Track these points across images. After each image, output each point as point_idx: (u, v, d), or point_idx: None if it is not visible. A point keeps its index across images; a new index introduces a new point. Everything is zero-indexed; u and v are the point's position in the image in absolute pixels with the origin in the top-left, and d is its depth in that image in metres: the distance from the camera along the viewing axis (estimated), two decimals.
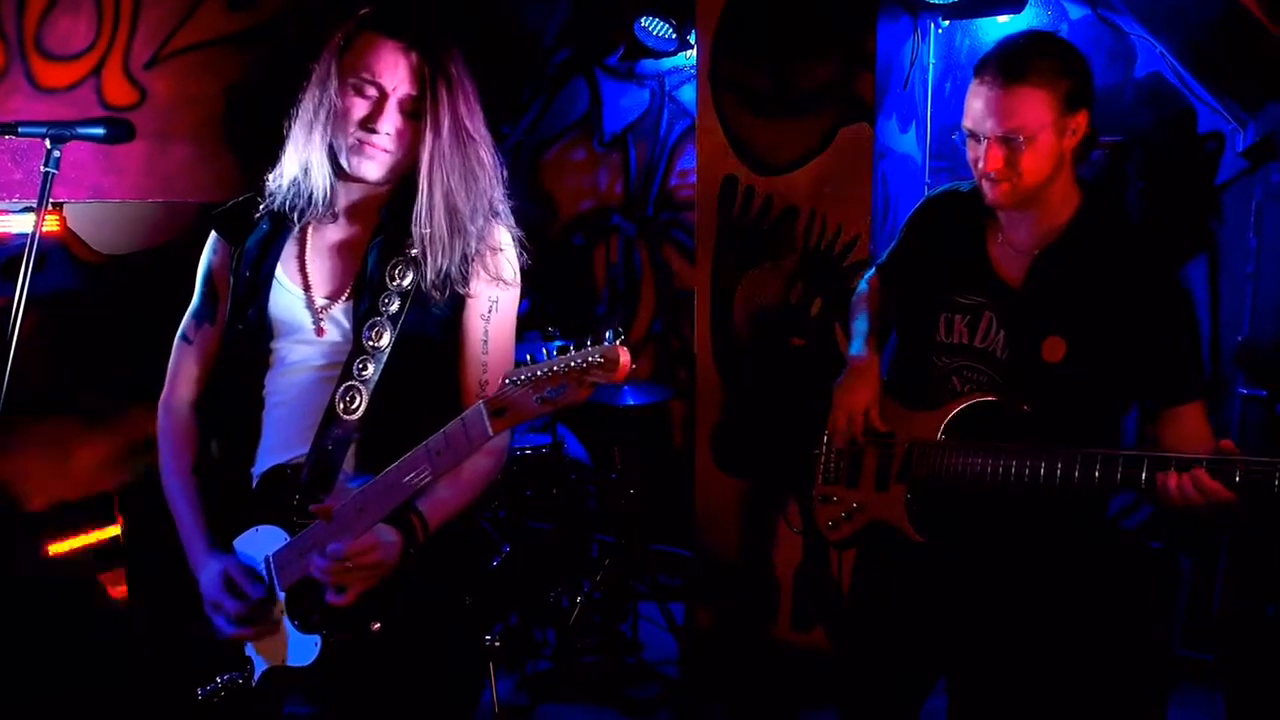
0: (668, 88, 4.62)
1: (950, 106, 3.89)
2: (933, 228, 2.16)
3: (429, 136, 1.68)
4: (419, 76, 1.68)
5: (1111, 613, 2.91)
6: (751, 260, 3.54)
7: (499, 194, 1.82)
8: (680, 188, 4.64)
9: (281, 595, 1.72)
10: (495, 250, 1.80)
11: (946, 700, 2.22)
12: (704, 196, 3.60)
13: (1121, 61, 3.58)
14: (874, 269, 2.37)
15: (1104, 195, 2.00)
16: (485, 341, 1.79)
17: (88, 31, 3.02)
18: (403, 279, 1.73)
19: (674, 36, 4.12)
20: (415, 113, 1.70)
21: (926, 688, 2.26)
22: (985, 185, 1.92)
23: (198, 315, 1.87)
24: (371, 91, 1.68)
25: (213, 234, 1.87)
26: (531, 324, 4.42)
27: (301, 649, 1.71)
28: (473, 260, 1.77)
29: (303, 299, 1.77)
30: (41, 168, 1.72)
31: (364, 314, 1.73)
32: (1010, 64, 1.83)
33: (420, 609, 1.79)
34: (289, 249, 1.80)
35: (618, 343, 1.42)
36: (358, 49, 1.68)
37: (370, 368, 1.71)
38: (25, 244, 1.70)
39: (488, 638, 3.29)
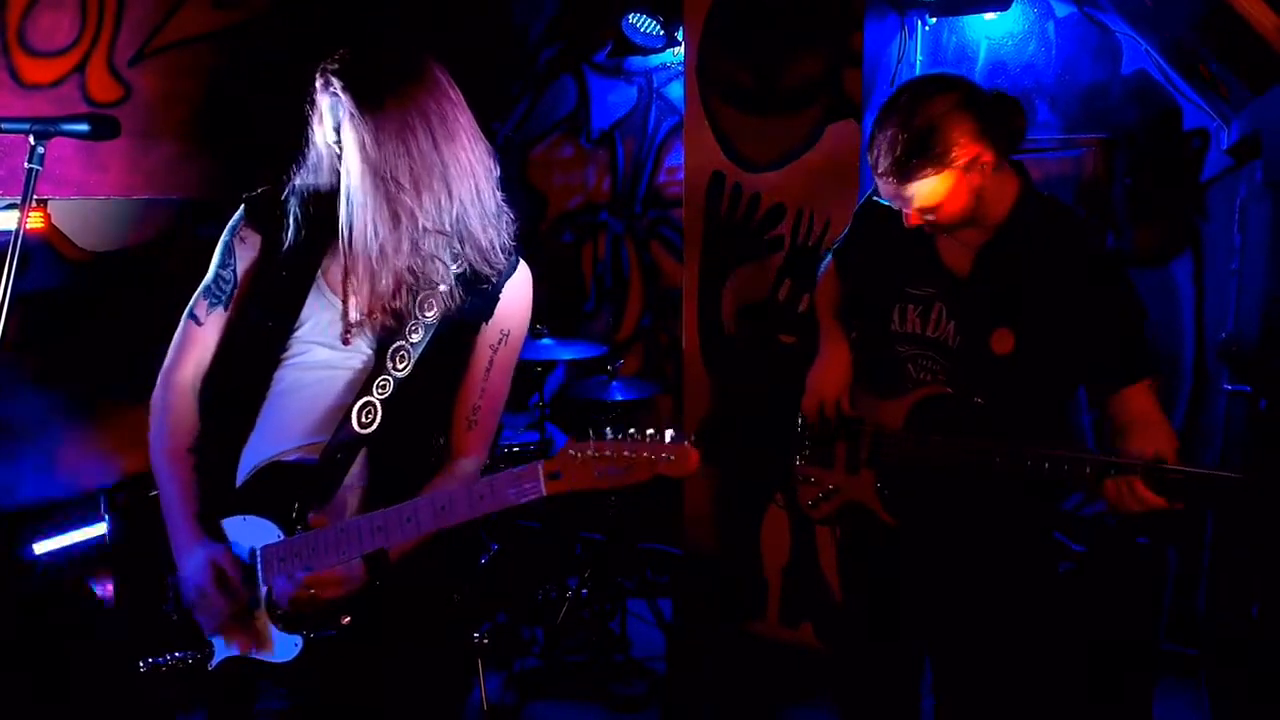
0: (655, 85, 4.61)
1: None
2: (881, 220, 2.19)
3: (343, 180, 1.69)
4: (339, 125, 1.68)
5: (1097, 607, 2.93)
6: (739, 257, 3.55)
7: (448, 233, 1.74)
8: (668, 184, 4.63)
9: (264, 589, 1.71)
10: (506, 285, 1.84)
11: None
12: (692, 193, 3.60)
13: (1107, 59, 3.59)
14: (830, 255, 2.42)
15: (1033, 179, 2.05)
16: (489, 370, 1.84)
17: (71, 27, 3.00)
18: (429, 313, 1.77)
19: (662, 33, 4.12)
20: None
21: (919, 670, 2.31)
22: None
23: (212, 296, 1.81)
24: (337, 147, 1.70)
25: (243, 217, 1.82)
26: None
27: (281, 646, 1.71)
28: (495, 293, 1.82)
29: (339, 309, 1.77)
30: (25, 164, 1.70)
31: (390, 336, 1.76)
32: (899, 168, 1.86)
33: (408, 607, 1.79)
34: (334, 258, 1.78)
35: (687, 443, 1.52)
36: (317, 102, 1.70)
37: (389, 388, 1.76)
38: (9, 241, 1.68)
39: (476, 636, 3.29)
